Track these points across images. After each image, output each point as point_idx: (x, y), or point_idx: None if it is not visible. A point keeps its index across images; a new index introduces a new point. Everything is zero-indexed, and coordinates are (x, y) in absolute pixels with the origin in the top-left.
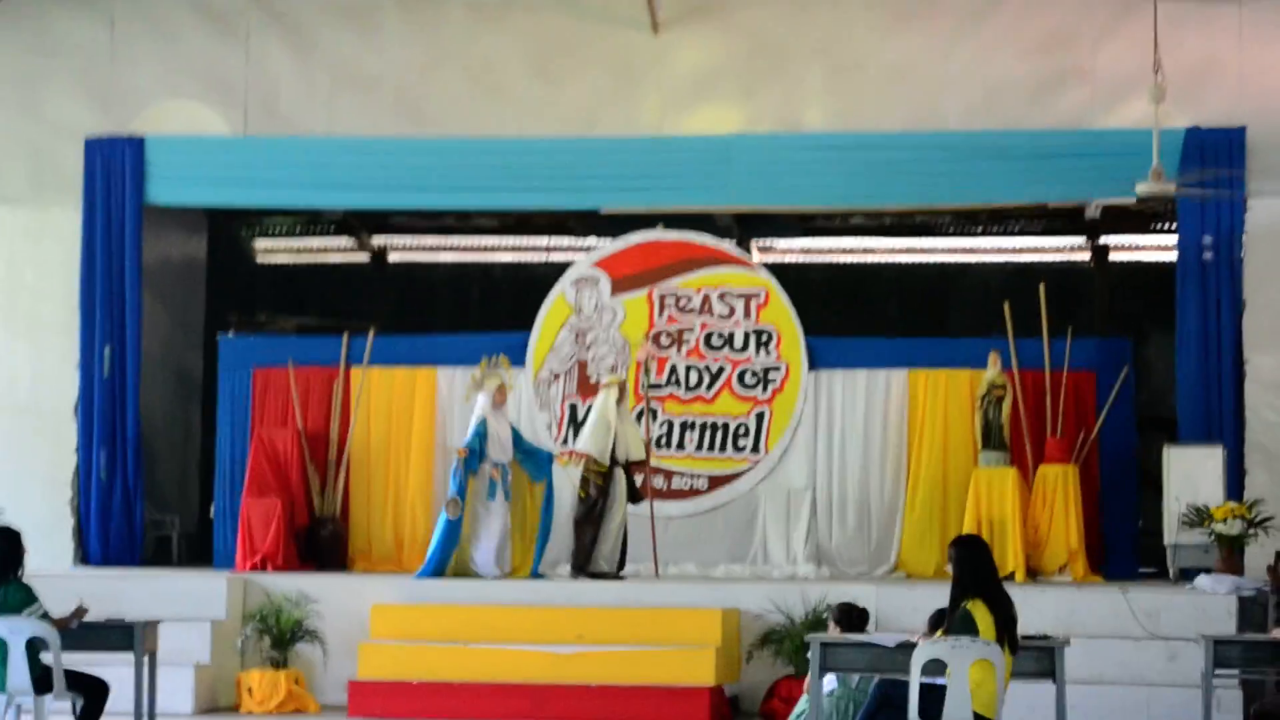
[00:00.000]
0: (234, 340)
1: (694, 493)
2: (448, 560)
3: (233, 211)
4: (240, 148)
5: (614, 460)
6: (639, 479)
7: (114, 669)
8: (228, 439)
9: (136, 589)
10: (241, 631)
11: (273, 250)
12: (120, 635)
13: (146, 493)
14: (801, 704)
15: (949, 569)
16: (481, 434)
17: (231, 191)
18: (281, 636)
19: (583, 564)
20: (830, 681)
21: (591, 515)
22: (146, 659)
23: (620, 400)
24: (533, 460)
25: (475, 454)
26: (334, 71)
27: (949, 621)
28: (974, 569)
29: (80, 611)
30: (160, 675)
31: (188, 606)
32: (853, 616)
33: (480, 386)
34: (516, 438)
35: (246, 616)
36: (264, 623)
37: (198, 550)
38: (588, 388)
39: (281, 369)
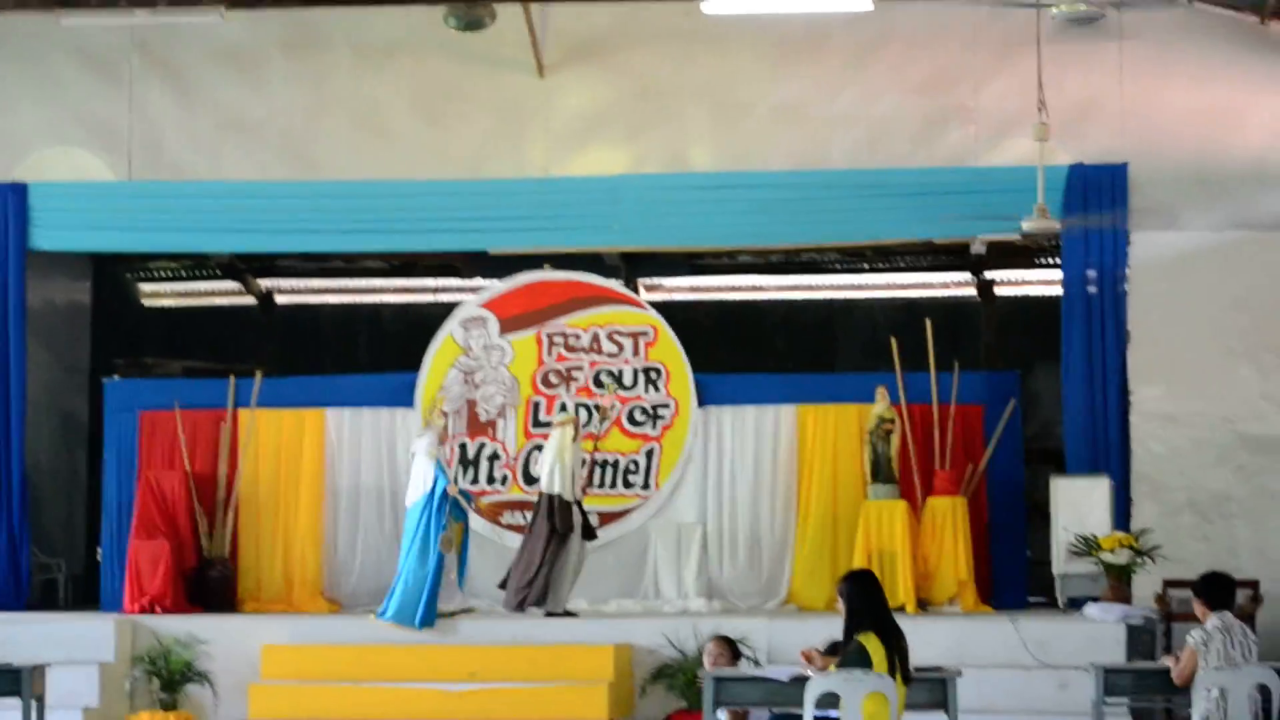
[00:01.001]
0: (120, 384)
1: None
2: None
3: (117, 256)
4: (124, 193)
5: (562, 499)
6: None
7: (2, 714)
8: (114, 482)
9: (23, 633)
10: (130, 674)
11: (159, 294)
12: (7, 680)
13: (33, 536)
14: None
15: (840, 605)
16: (444, 470)
17: (116, 236)
18: (171, 678)
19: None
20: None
21: (551, 551)
22: (34, 703)
23: (575, 439)
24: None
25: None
26: (218, 116)
27: (842, 654)
28: (865, 602)
29: None
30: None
31: (75, 650)
32: (732, 646)
33: (429, 428)
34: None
35: (135, 659)
36: (153, 665)
37: (85, 593)
38: (477, 426)
39: (168, 412)
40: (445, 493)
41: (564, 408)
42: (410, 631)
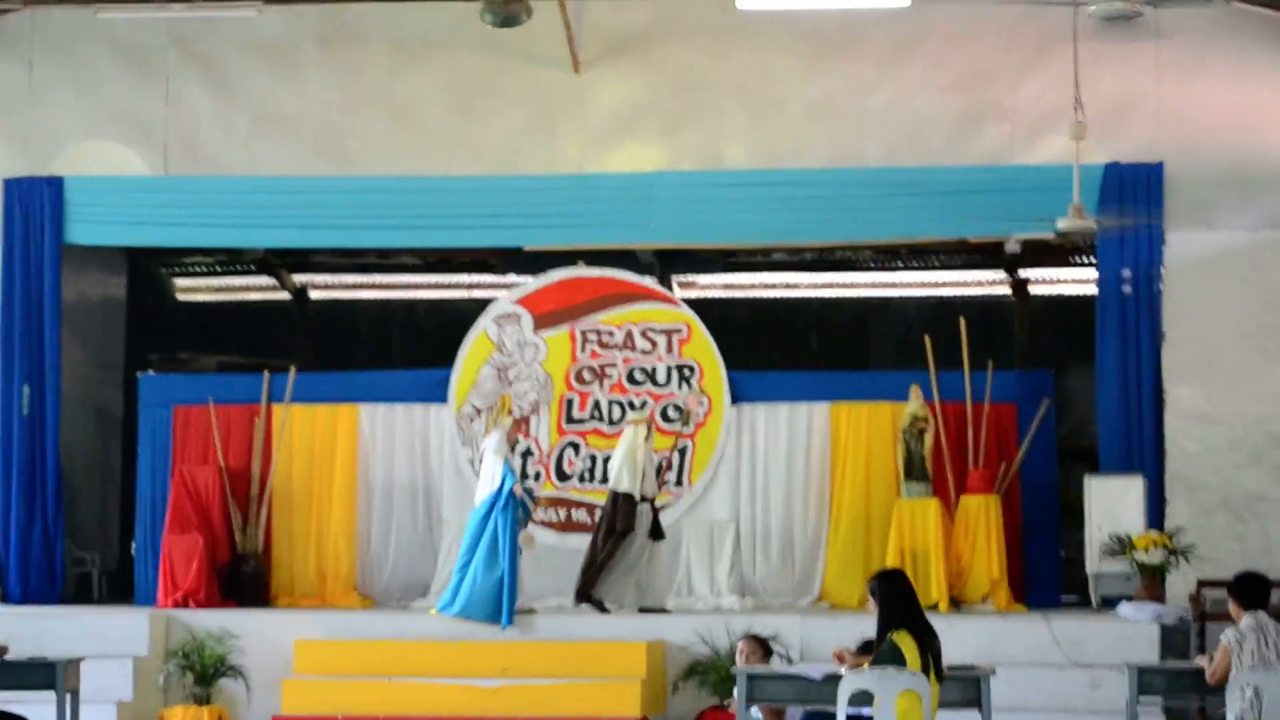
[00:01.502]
0: (154, 378)
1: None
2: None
3: (152, 251)
4: (160, 188)
5: (630, 497)
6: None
7: (37, 707)
8: (148, 477)
9: (58, 627)
10: (164, 668)
11: (193, 289)
12: (42, 674)
13: (67, 531)
14: None
15: (871, 604)
16: (512, 470)
17: (151, 231)
18: (204, 673)
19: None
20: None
21: (609, 547)
22: (69, 697)
23: (647, 438)
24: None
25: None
26: (254, 111)
27: (875, 653)
28: (897, 601)
29: (1, 650)
30: (83, 713)
31: (109, 644)
32: (763, 645)
33: (496, 425)
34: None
35: (169, 653)
36: (186, 659)
37: (119, 588)
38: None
39: (202, 407)
40: (512, 492)
41: (634, 406)
42: (492, 628)
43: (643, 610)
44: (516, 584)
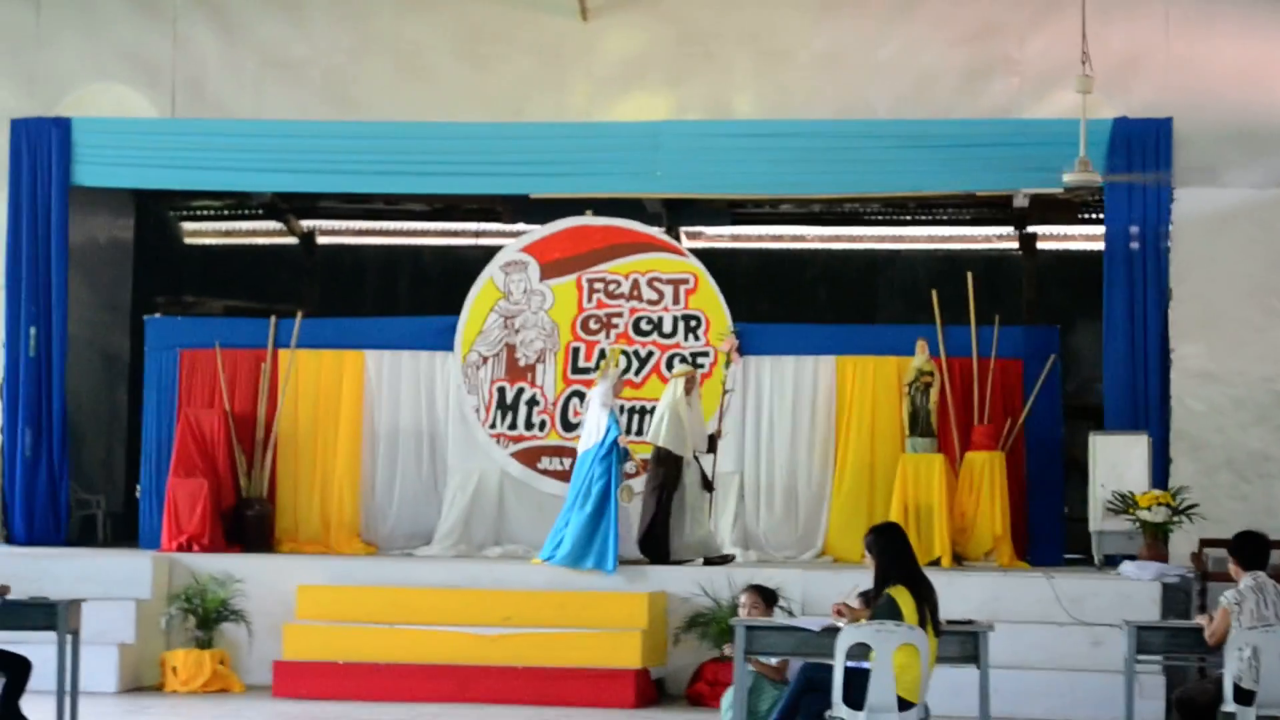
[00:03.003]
0: (161, 321)
1: (624, 476)
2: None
3: (160, 193)
4: (167, 130)
5: (671, 455)
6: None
7: (37, 648)
8: (154, 420)
9: (61, 568)
10: (166, 611)
11: (200, 233)
12: (43, 614)
13: (72, 473)
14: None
15: (868, 558)
16: (616, 420)
17: (158, 174)
18: (206, 616)
19: (654, 551)
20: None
21: (663, 502)
22: (70, 638)
23: (689, 391)
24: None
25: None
26: (261, 55)
27: (873, 607)
28: (894, 555)
29: (3, 590)
30: (84, 654)
31: (112, 586)
32: (766, 596)
33: (604, 376)
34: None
35: (171, 596)
36: (189, 603)
37: (123, 530)
38: (516, 371)
39: (209, 350)
40: (616, 442)
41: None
42: (599, 576)
43: (707, 562)
44: (617, 531)
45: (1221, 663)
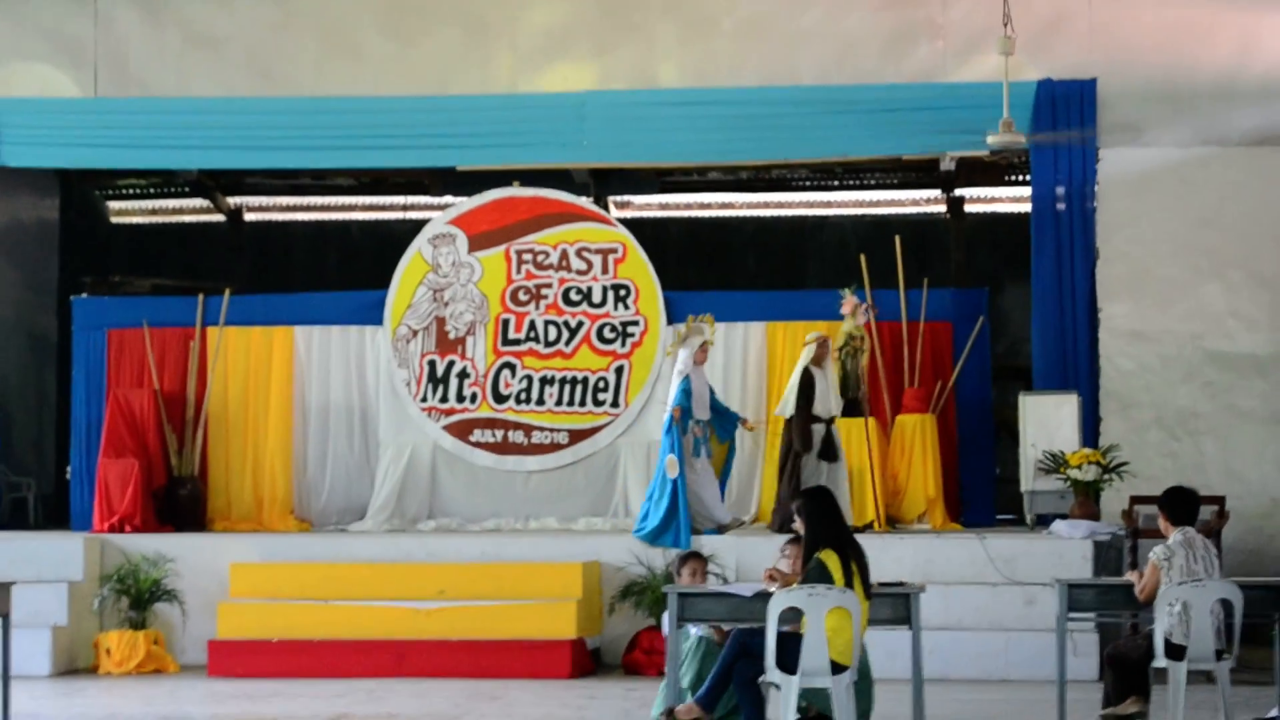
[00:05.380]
0: (88, 302)
1: (555, 447)
2: (689, 519)
3: (85, 173)
4: (91, 109)
5: (814, 418)
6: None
7: None
8: (83, 401)
9: None
10: (99, 592)
11: (126, 211)
12: None
13: (2, 455)
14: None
15: (797, 523)
16: (687, 390)
17: (83, 153)
18: (140, 597)
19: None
20: (697, 629)
21: (789, 471)
22: (1, 621)
23: (820, 360)
24: (722, 420)
25: (686, 412)
26: (185, 32)
27: (803, 572)
28: (822, 519)
29: None
30: (16, 637)
31: (44, 568)
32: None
33: (684, 343)
34: (711, 396)
35: (104, 578)
36: (122, 583)
37: (55, 512)
38: (446, 344)
39: (137, 330)
40: (681, 410)
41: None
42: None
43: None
44: (685, 504)
45: (1153, 618)
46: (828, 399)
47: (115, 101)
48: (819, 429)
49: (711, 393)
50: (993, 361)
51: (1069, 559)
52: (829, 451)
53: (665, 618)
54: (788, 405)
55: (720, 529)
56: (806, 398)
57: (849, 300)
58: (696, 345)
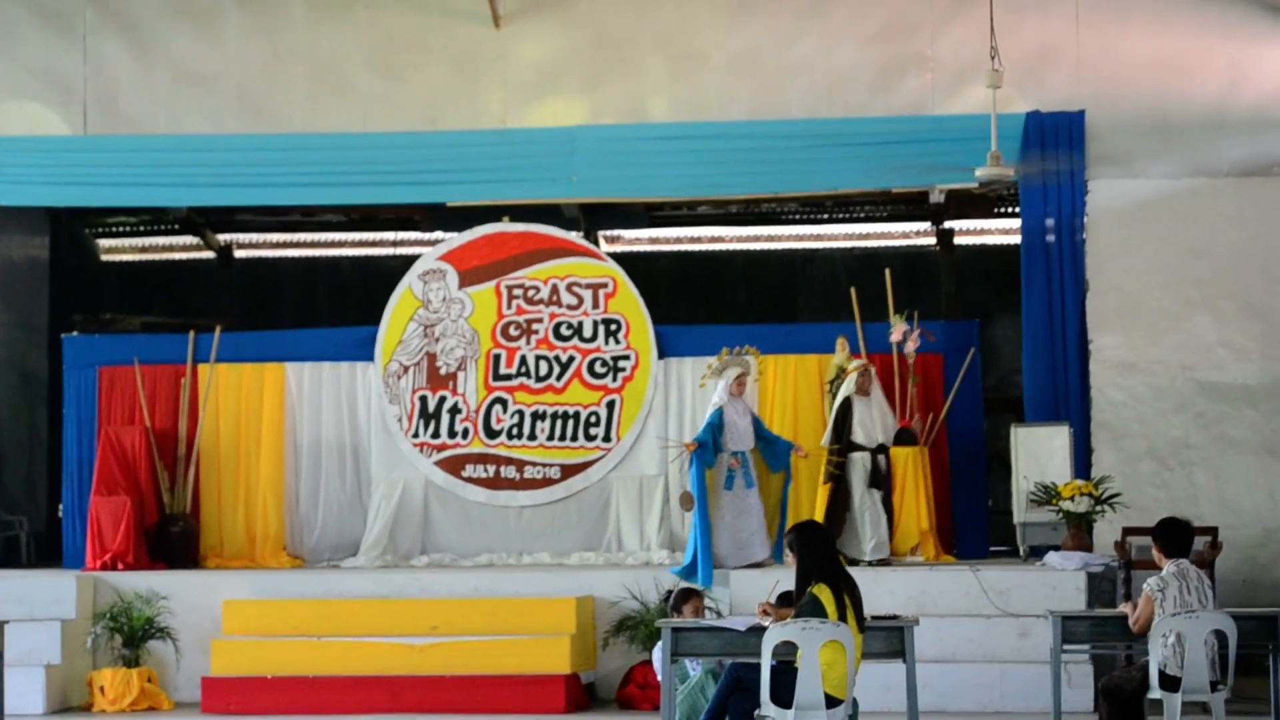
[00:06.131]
0: (79, 340)
1: (547, 482)
2: (710, 554)
3: (75, 211)
4: (81, 147)
5: (853, 446)
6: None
7: None
8: (75, 438)
9: None
10: (92, 630)
11: (117, 249)
12: None
13: None
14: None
15: (789, 557)
16: (715, 424)
17: (73, 191)
18: (133, 634)
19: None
20: (694, 666)
21: (833, 503)
22: None
23: (863, 388)
24: (771, 450)
25: (707, 447)
26: (174, 69)
27: (796, 606)
28: (815, 553)
29: None
30: (10, 676)
31: (37, 607)
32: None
33: (719, 374)
34: (757, 425)
35: (97, 615)
36: (115, 621)
37: (47, 550)
38: (437, 379)
39: (128, 367)
40: (697, 444)
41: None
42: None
43: (869, 563)
44: (707, 541)
45: (1147, 650)
46: (871, 427)
47: (105, 139)
48: (862, 457)
49: (758, 423)
50: (984, 393)
51: (1063, 590)
52: (876, 480)
53: (656, 652)
54: (828, 434)
55: (758, 565)
56: (839, 427)
57: (899, 328)
58: (733, 377)
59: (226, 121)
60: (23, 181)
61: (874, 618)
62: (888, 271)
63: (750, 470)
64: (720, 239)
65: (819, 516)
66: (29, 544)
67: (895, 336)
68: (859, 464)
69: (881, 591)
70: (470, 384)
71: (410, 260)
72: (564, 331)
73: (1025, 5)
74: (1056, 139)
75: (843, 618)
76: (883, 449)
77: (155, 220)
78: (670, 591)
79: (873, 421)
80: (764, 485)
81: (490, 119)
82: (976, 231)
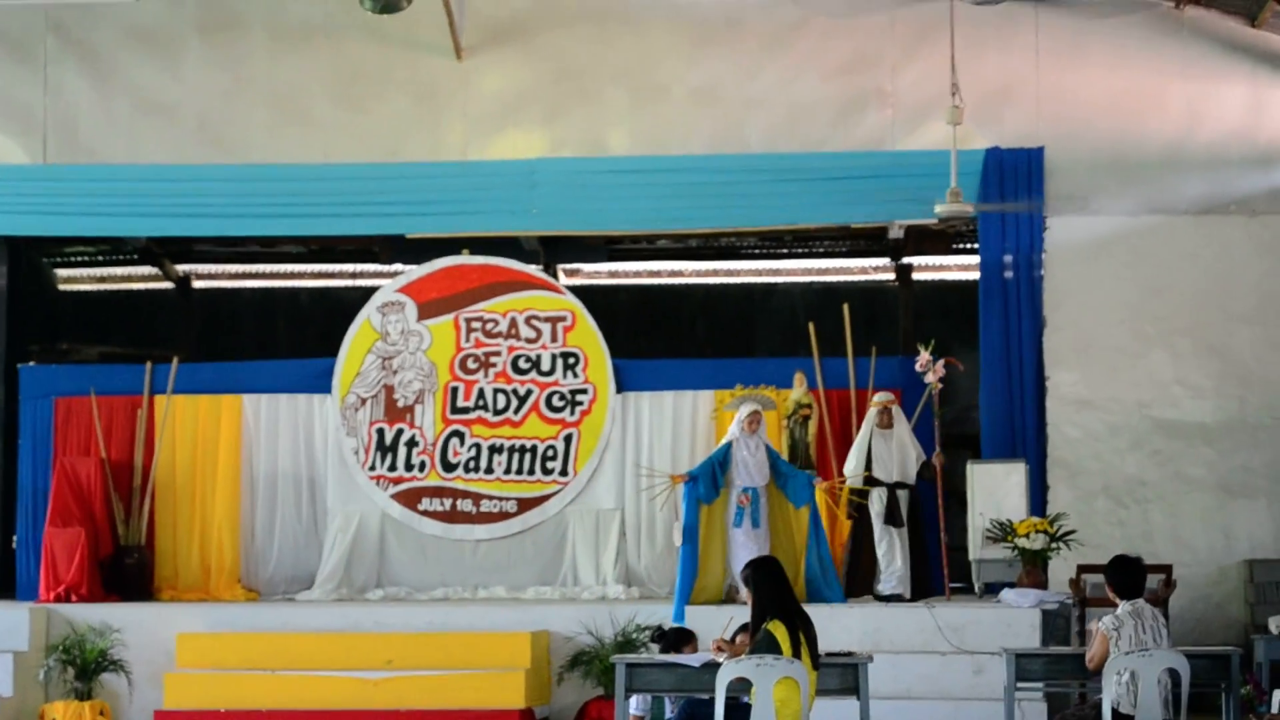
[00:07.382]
0: (35, 370)
1: (503, 515)
2: (688, 591)
3: (33, 240)
4: (40, 176)
5: (874, 481)
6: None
7: None
8: (29, 469)
9: None
10: (44, 663)
11: (74, 279)
12: None
13: None
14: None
15: (744, 594)
16: (718, 459)
17: (32, 220)
18: (86, 667)
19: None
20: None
21: (854, 538)
22: None
23: (885, 423)
24: (791, 485)
25: (698, 480)
26: (134, 99)
27: (751, 643)
28: (770, 589)
29: None
30: None
31: None
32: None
33: (735, 410)
34: (777, 462)
35: (50, 648)
36: (68, 653)
37: (0, 582)
38: (395, 412)
39: (84, 398)
40: (687, 477)
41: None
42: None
43: (878, 598)
44: (685, 577)
45: (1100, 688)
46: (889, 463)
47: (64, 168)
48: (879, 493)
49: (776, 459)
50: (941, 429)
51: (1017, 628)
52: (893, 516)
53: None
54: (847, 466)
55: None
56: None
57: (923, 358)
58: (745, 414)
59: (187, 151)
60: None
61: (829, 654)
62: (846, 307)
63: (761, 508)
64: (679, 273)
65: (840, 552)
66: None
67: (919, 366)
68: (876, 499)
69: (836, 628)
70: (428, 417)
71: (369, 292)
72: (522, 365)
73: (986, 42)
74: (1016, 175)
75: (797, 654)
76: (902, 485)
77: (114, 250)
78: (661, 630)
79: (890, 457)
80: (784, 523)
81: (451, 151)
82: (935, 267)
